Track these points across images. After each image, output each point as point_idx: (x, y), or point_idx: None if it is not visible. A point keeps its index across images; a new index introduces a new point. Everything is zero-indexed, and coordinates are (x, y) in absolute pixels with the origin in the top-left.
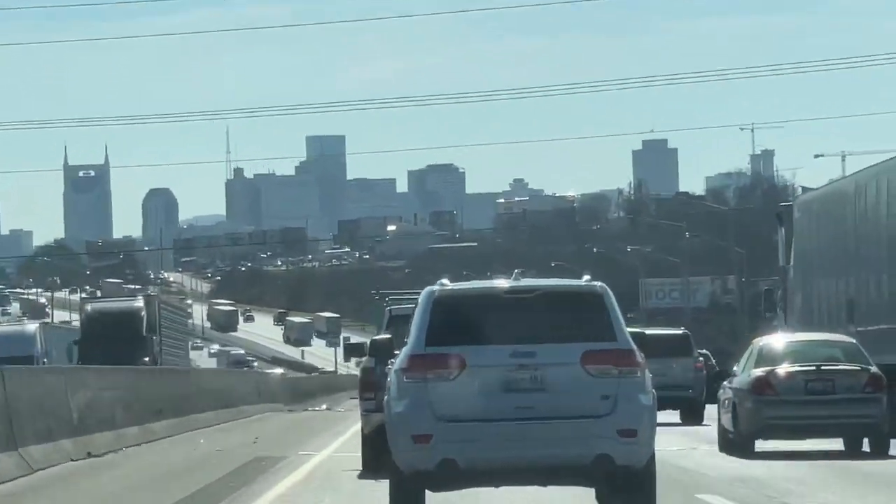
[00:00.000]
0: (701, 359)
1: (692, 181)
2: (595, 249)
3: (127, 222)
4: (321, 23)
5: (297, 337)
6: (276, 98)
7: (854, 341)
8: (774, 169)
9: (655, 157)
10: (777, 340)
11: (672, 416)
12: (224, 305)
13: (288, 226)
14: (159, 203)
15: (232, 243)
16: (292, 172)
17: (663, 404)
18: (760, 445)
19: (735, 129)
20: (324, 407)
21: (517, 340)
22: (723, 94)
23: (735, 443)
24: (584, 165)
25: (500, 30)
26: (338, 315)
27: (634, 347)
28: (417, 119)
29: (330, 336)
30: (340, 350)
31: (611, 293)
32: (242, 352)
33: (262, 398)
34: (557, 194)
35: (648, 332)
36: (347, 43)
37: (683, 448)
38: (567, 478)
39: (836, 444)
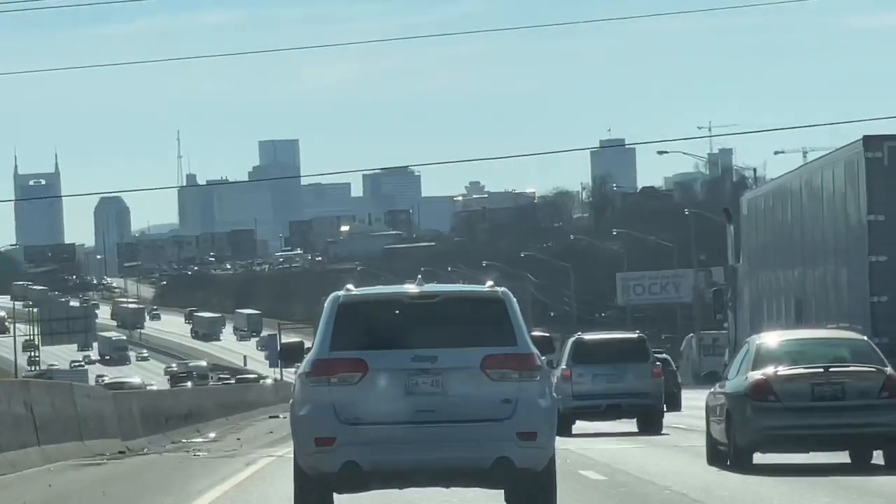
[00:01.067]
0: (659, 364)
1: (652, 181)
2: (572, 237)
3: (79, 231)
4: (270, 29)
5: (206, 332)
6: (229, 104)
7: (865, 338)
8: (733, 166)
9: (613, 158)
10: (776, 338)
11: (629, 424)
12: (129, 303)
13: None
14: (111, 211)
15: (177, 246)
16: (245, 178)
17: (620, 412)
18: (759, 458)
19: (692, 129)
20: (210, 436)
21: (419, 345)
22: (680, 94)
23: (728, 456)
24: (542, 167)
25: (449, 37)
26: (258, 312)
27: (535, 351)
28: (371, 123)
29: (250, 333)
30: (253, 346)
31: (513, 298)
32: (204, 363)
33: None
34: (517, 191)
35: (602, 336)
36: (298, 49)
37: (673, 464)
38: (468, 480)
39: (842, 456)
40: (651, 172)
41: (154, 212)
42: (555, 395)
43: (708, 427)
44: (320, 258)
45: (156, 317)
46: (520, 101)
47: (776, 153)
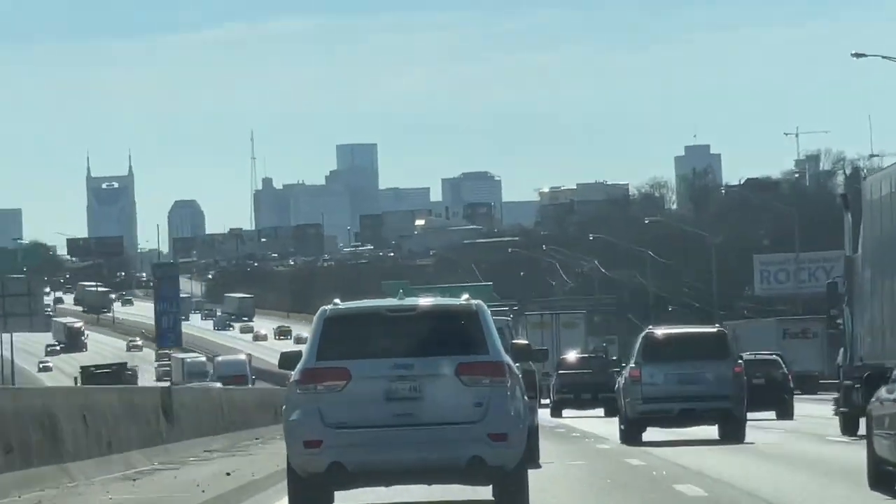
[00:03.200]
0: (741, 362)
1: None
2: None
3: (152, 234)
4: (346, 36)
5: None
6: (306, 110)
7: None
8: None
9: (698, 163)
10: None
11: (709, 431)
12: (94, 287)
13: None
14: (185, 215)
15: (236, 241)
16: (322, 182)
17: (694, 418)
18: None
19: (779, 135)
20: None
21: (399, 354)
22: (766, 101)
23: None
24: (626, 173)
25: (527, 44)
26: (251, 295)
27: (505, 360)
28: (451, 129)
29: (240, 319)
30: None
31: (486, 309)
32: (202, 358)
33: None
34: (609, 182)
35: (676, 330)
36: (375, 56)
37: (815, 484)
38: (445, 478)
39: None
40: (736, 179)
41: (229, 215)
42: (621, 394)
43: (871, 442)
44: (392, 254)
45: (128, 302)
46: (601, 109)
47: (871, 156)
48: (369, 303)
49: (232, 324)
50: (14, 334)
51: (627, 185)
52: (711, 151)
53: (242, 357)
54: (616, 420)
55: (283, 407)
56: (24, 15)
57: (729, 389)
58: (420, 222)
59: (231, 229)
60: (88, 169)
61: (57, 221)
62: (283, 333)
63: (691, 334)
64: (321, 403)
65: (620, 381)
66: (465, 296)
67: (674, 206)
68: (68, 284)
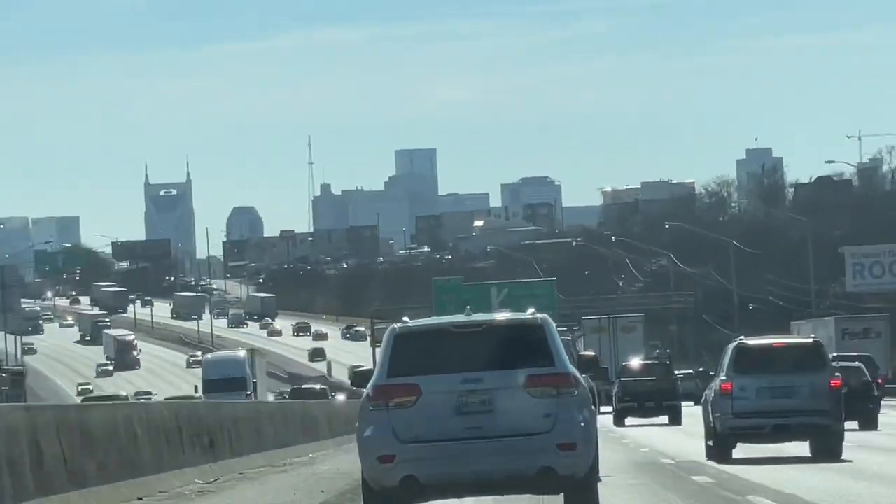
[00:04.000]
0: (838, 375)
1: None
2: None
3: (211, 242)
4: (401, 45)
5: (188, 312)
6: (364, 116)
7: None
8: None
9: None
10: None
11: (800, 448)
12: (110, 287)
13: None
14: (244, 221)
15: (286, 242)
16: (381, 188)
17: (789, 434)
18: None
19: (841, 138)
20: None
21: (467, 368)
22: (826, 104)
23: None
24: (690, 175)
25: (582, 51)
26: (272, 296)
27: (572, 371)
28: (510, 134)
29: (262, 319)
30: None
31: (551, 323)
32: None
33: None
34: (674, 181)
35: (769, 340)
36: (428, 65)
37: None
38: (516, 488)
39: None
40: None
41: (287, 222)
42: (709, 408)
43: None
44: (449, 256)
45: (148, 303)
46: (659, 115)
47: None
48: (437, 320)
49: (247, 321)
50: (59, 347)
51: (693, 183)
52: (774, 154)
53: (240, 354)
54: (678, 429)
55: (357, 423)
56: (85, 25)
57: (826, 404)
58: (479, 223)
59: (282, 231)
60: (146, 176)
61: (115, 229)
62: (301, 330)
63: (786, 345)
64: (393, 419)
65: (708, 393)
66: (531, 310)
67: (737, 206)
68: (146, 298)
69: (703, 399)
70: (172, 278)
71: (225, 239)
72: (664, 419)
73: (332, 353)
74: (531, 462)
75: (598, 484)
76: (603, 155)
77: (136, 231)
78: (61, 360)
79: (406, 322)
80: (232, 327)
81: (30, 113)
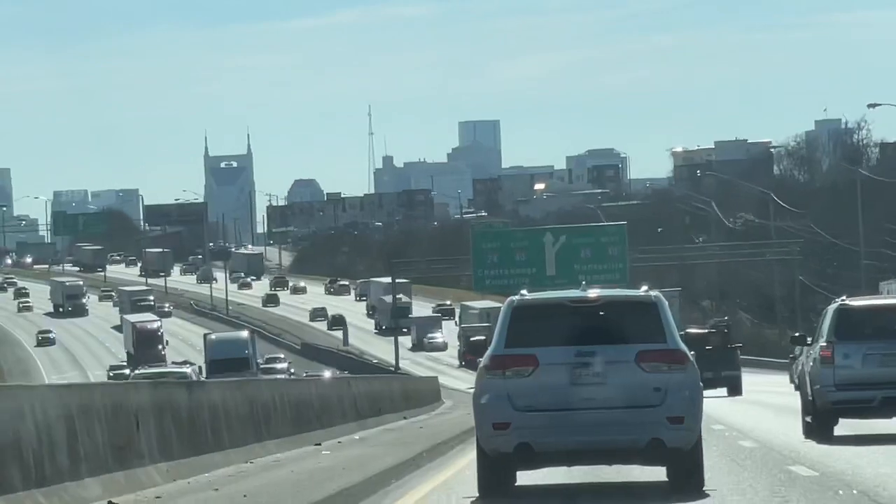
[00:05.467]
0: None
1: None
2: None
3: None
4: (467, 20)
5: (155, 268)
6: (428, 89)
7: None
8: None
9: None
10: None
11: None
12: (90, 246)
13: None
14: (305, 194)
15: (332, 206)
16: (444, 160)
17: None
18: None
19: None
20: None
21: (582, 342)
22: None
23: None
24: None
25: (648, 26)
26: (259, 252)
27: (682, 347)
28: (575, 108)
29: (248, 277)
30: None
31: (664, 301)
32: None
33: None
34: (750, 140)
35: (876, 301)
36: (495, 38)
37: None
38: (625, 459)
39: None
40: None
41: (349, 194)
42: (806, 379)
43: None
44: (507, 221)
45: (132, 263)
46: (725, 90)
47: None
48: (553, 294)
49: (215, 277)
50: (87, 331)
51: (770, 142)
52: (843, 126)
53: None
54: (740, 400)
55: (473, 391)
56: (147, 2)
57: None
58: (540, 186)
59: (329, 195)
60: (206, 148)
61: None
62: (279, 285)
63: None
64: (509, 388)
65: (806, 362)
66: (644, 287)
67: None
68: (131, 256)
69: (796, 368)
70: (211, 244)
71: (268, 203)
72: (722, 391)
73: (314, 305)
74: (641, 434)
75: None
76: (669, 129)
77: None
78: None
79: (524, 295)
80: (200, 283)
81: (91, 87)
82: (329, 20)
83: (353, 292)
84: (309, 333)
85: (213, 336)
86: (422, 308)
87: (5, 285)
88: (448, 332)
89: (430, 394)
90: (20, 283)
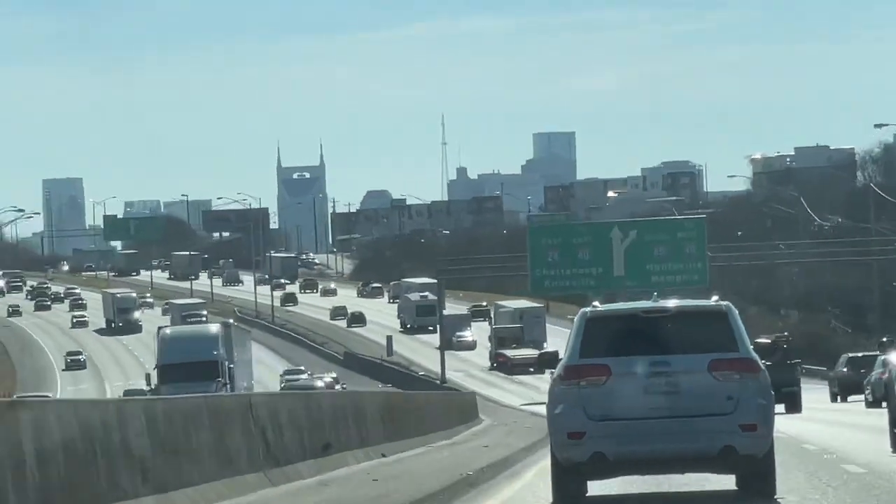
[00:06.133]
0: None
1: None
2: None
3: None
4: (540, 34)
5: (183, 272)
6: (502, 100)
7: None
8: None
9: None
10: None
11: None
12: (127, 250)
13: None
14: (378, 205)
15: (397, 213)
16: (518, 171)
17: None
18: None
19: None
20: None
21: (655, 352)
22: None
23: None
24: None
25: (717, 40)
26: (294, 255)
27: (754, 356)
28: (650, 120)
29: (281, 280)
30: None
31: (735, 311)
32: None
33: None
34: (832, 147)
35: None
36: (570, 51)
37: None
38: (698, 466)
39: None
40: None
41: (415, 201)
42: None
43: None
44: (569, 213)
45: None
46: (799, 102)
47: None
48: (626, 305)
49: (241, 280)
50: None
51: (853, 148)
52: None
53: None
54: (798, 417)
55: (547, 401)
56: (221, 14)
57: None
58: (613, 194)
59: (393, 201)
60: (279, 160)
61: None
62: (309, 287)
63: None
64: (584, 397)
65: (894, 371)
66: (715, 297)
67: None
68: (166, 261)
69: (874, 379)
70: (272, 251)
71: (332, 209)
72: (780, 408)
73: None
74: (714, 441)
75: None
76: (745, 141)
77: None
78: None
79: (596, 306)
80: (226, 285)
81: (164, 100)
82: (404, 33)
83: (386, 294)
84: (355, 342)
85: (167, 331)
86: (457, 309)
87: (62, 296)
88: (481, 333)
89: (457, 415)
90: (83, 294)
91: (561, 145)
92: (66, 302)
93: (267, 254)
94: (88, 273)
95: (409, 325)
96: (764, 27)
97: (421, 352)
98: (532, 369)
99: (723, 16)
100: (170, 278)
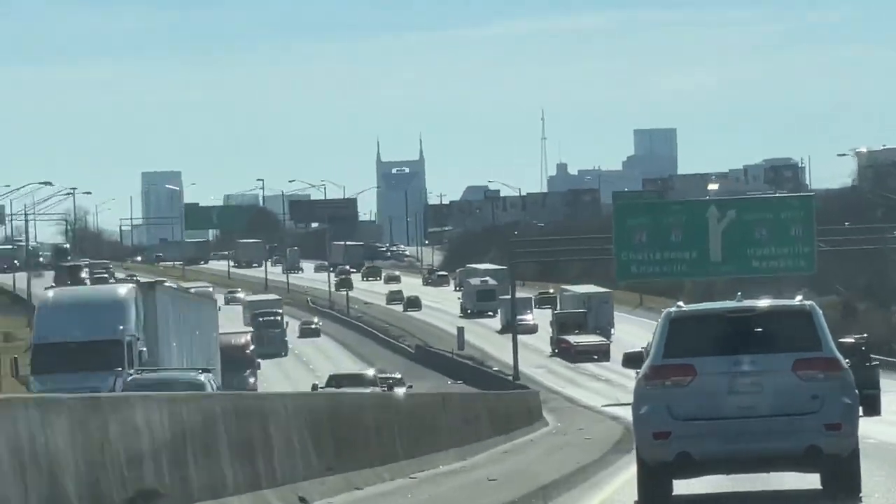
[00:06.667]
0: None
1: None
2: None
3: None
4: (639, 31)
5: (247, 259)
6: (601, 97)
7: None
8: None
9: None
10: None
11: None
12: (193, 239)
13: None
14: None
15: (490, 205)
16: (619, 168)
17: None
18: None
19: None
20: None
21: (739, 351)
22: None
23: None
24: None
25: (820, 39)
26: (361, 243)
27: (838, 356)
28: (749, 121)
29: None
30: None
31: (818, 310)
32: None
33: None
34: None
35: None
36: (669, 48)
37: None
38: (783, 466)
39: None
40: None
41: (508, 194)
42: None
43: None
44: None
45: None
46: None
47: None
48: (710, 305)
49: (301, 266)
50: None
51: None
52: None
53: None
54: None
55: (632, 402)
56: (322, 10)
57: None
58: (714, 187)
59: (487, 192)
60: (378, 153)
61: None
62: (372, 274)
63: None
64: (669, 397)
65: None
66: (799, 297)
67: None
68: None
69: None
70: (363, 243)
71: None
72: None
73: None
74: (799, 441)
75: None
76: (848, 139)
77: (366, 208)
78: None
79: (680, 306)
80: (286, 272)
81: (264, 94)
82: (504, 30)
83: (452, 283)
84: (432, 335)
85: (49, 293)
86: (520, 293)
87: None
88: (543, 318)
89: (517, 416)
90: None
91: (661, 142)
92: None
93: (334, 242)
94: (166, 263)
95: (469, 311)
96: (864, 26)
97: (497, 343)
98: (596, 357)
99: (822, 15)
100: (234, 266)
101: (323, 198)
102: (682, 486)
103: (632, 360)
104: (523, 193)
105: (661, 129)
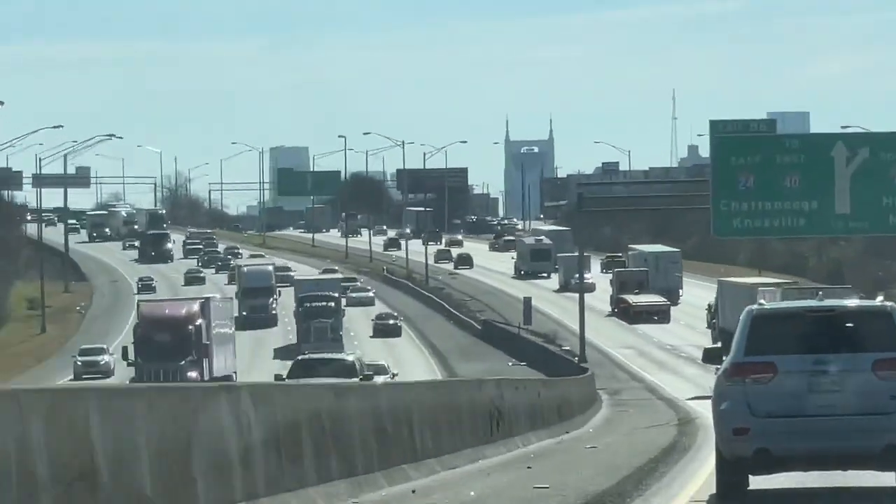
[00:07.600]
0: None
1: None
2: None
3: (554, 191)
4: (772, 16)
5: (318, 225)
6: (732, 83)
7: None
8: None
9: None
10: None
11: None
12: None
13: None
14: (607, 178)
15: (608, 178)
16: None
17: None
18: None
19: None
20: None
21: (819, 350)
22: None
23: None
24: None
25: None
26: (431, 209)
27: None
28: (883, 109)
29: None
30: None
31: None
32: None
33: None
34: None
35: None
36: (797, 37)
37: None
38: (860, 464)
39: None
40: None
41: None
42: None
43: None
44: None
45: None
46: None
47: None
48: (791, 303)
49: (360, 231)
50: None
51: None
52: None
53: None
54: None
55: (712, 398)
56: None
57: None
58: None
59: (604, 163)
60: (507, 133)
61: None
62: (433, 239)
63: None
64: (749, 394)
65: None
66: (880, 297)
67: None
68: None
69: None
70: (474, 217)
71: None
72: None
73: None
74: (877, 440)
75: None
76: None
77: (494, 188)
78: None
79: (762, 304)
80: (343, 237)
81: (394, 75)
82: (636, 14)
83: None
84: (510, 308)
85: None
86: (593, 261)
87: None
88: (603, 278)
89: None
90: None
91: (794, 126)
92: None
93: (407, 209)
94: (251, 232)
95: (522, 272)
96: None
97: (556, 303)
98: (656, 318)
99: None
100: (302, 231)
101: (444, 166)
102: (758, 481)
103: (712, 356)
104: (645, 168)
105: (794, 112)
